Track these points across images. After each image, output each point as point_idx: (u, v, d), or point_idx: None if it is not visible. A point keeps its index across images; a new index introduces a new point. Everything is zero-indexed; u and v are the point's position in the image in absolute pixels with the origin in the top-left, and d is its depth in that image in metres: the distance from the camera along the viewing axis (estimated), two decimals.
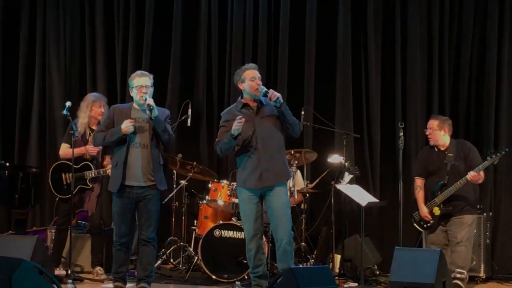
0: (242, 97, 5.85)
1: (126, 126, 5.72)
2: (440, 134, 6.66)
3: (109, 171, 6.58)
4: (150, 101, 5.68)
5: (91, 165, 6.81)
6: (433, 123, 6.71)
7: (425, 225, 6.66)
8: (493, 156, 6.34)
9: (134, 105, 5.90)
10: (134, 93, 5.86)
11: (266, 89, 5.64)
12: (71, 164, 6.39)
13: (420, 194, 6.73)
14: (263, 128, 5.67)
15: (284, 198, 5.72)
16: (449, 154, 6.60)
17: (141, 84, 5.81)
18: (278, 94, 5.59)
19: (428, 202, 6.63)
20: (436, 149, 6.72)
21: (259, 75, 5.81)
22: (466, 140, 6.98)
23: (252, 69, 5.82)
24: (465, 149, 6.66)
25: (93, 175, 6.81)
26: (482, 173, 6.43)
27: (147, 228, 5.79)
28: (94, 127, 6.84)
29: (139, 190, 5.76)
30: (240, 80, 5.81)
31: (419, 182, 6.77)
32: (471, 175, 6.36)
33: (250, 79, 5.74)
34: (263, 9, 8.24)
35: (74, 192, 6.50)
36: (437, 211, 6.55)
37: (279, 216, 5.66)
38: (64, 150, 6.89)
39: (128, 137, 5.76)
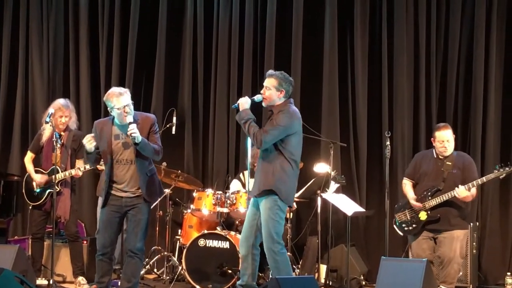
0: None
1: (86, 144, 5.56)
2: (453, 143, 6.30)
3: (74, 173, 6.68)
4: (131, 131, 5.40)
5: (59, 169, 6.68)
6: (449, 133, 6.22)
7: (406, 228, 6.29)
8: (501, 170, 5.99)
9: (116, 121, 5.64)
10: (115, 114, 5.57)
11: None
12: (40, 169, 6.81)
13: (407, 186, 6.34)
14: None
15: (264, 214, 5.49)
16: (448, 163, 6.21)
17: (122, 104, 5.51)
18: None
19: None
20: (435, 155, 6.31)
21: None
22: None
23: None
24: (465, 161, 6.27)
25: (61, 177, 6.69)
26: (474, 190, 6.05)
27: (134, 237, 5.62)
28: (62, 133, 6.76)
29: (128, 199, 5.63)
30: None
31: (407, 181, 6.40)
32: (458, 191, 5.99)
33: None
34: (249, 16, 8.22)
35: (45, 198, 6.76)
36: (423, 215, 6.17)
37: (261, 231, 5.56)
38: (27, 160, 6.97)
39: (113, 154, 5.58)
